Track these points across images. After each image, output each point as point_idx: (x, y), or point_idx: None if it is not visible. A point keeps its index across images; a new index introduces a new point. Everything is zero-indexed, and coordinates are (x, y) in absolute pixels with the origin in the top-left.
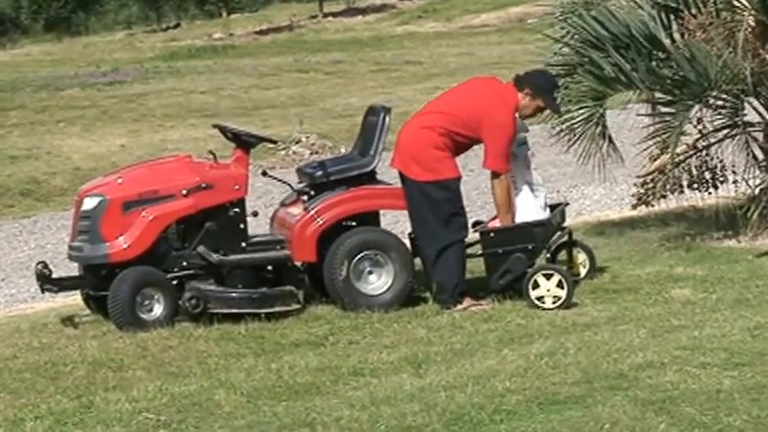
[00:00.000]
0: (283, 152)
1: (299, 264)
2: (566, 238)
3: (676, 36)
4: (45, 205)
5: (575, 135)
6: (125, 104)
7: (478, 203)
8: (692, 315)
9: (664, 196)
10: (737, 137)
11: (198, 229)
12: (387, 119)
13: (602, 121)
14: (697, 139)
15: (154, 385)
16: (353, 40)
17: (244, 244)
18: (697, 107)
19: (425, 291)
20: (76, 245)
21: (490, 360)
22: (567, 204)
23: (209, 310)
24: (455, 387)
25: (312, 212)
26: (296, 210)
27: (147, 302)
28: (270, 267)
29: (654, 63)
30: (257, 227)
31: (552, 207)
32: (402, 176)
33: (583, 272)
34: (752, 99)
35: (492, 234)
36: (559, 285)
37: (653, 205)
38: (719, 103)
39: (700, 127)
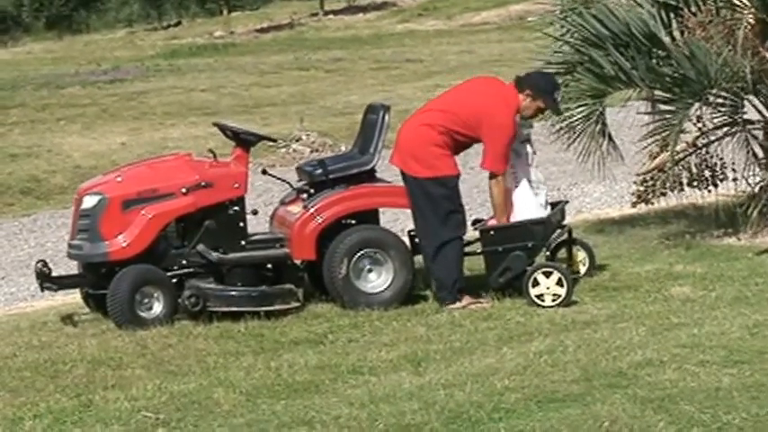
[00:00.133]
0: (283, 150)
1: (298, 262)
2: (565, 236)
3: (676, 34)
4: (45, 203)
5: (574, 133)
6: (126, 102)
7: (478, 201)
8: (692, 313)
9: (663, 194)
10: (737, 135)
11: (197, 228)
12: (386, 117)
13: (602, 119)
14: (697, 137)
15: (153, 384)
16: (354, 37)
17: (243, 242)
18: (697, 105)
19: (425, 289)
20: (76, 243)
21: (489, 358)
22: (567, 202)
23: (208, 308)
24: (454, 385)
25: (312, 211)
26: (296, 208)
27: (146, 301)
28: (269, 265)
29: (654, 61)
30: (257, 225)
31: (552, 205)
32: (402, 173)
33: (582, 270)
34: (751, 97)
35: (492, 232)
36: (559, 283)
37: (653, 203)
38: (719, 101)
39: (699, 125)
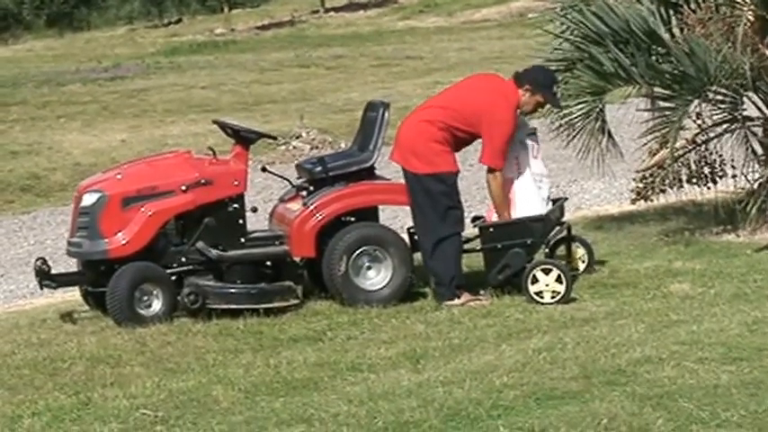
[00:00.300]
0: (283, 147)
1: (297, 259)
2: (564, 232)
3: (676, 31)
4: (45, 201)
5: (574, 130)
6: (126, 100)
7: (478, 198)
8: (691, 310)
9: (663, 191)
10: (736, 131)
11: (197, 225)
12: (386, 114)
13: (602, 116)
14: (696, 134)
15: (152, 381)
16: (354, 34)
17: (243, 239)
18: (696, 102)
19: (424, 286)
20: (75, 241)
21: (488, 355)
22: (566, 199)
23: (207, 305)
24: (453, 382)
25: (311, 208)
26: (295, 205)
27: (145, 298)
28: (269, 263)
29: (653, 58)
30: (256, 222)
31: (552, 202)
32: (403, 170)
33: (581, 267)
34: (751, 94)
35: (491, 229)
36: (558, 280)
37: (652, 200)
38: (719, 97)
39: (699, 122)
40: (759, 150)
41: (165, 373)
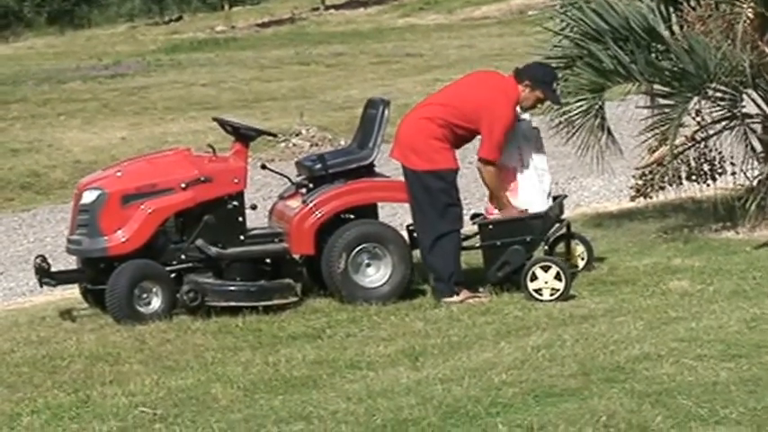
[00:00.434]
0: (283, 145)
1: (297, 256)
2: (564, 230)
3: (675, 28)
4: (45, 198)
5: (573, 127)
6: (126, 97)
7: (477, 195)
8: (690, 307)
9: (662, 188)
10: (736, 128)
11: (196, 223)
12: (386, 112)
13: (601, 113)
14: (696, 131)
15: (151, 379)
16: (355, 32)
17: (242, 237)
18: (696, 99)
19: (423, 283)
20: (75, 238)
21: (487, 353)
22: (566, 196)
23: (207, 303)
24: (452, 380)
25: (311, 205)
26: (294, 203)
27: (145, 296)
28: (268, 260)
29: (653, 55)
30: (256, 220)
31: (551, 199)
32: (403, 167)
33: (581, 264)
34: (750, 91)
35: (490, 226)
36: (557, 277)
37: (651, 197)
38: (718, 94)
39: (698, 119)
40: (758, 147)
41: (163, 371)
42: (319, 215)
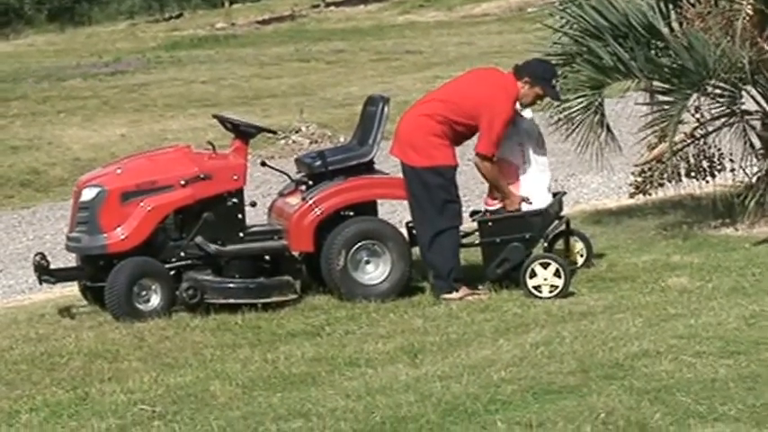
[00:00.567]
0: (283, 142)
1: (296, 254)
2: (563, 226)
3: (675, 25)
4: (44, 196)
5: (573, 124)
6: (126, 94)
7: (476, 193)
8: (689, 304)
9: (661, 185)
10: (735, 125)
11: (196, 220)
12: (385, 109)
13: (601, 110)
14: (695, 128)
15: (149, 376)
16: (355, 29)
17: (241, 234)
18: (695, 96)
19: (422, 281)
20: (74, 236)
21: (486, 350)
22: (565, 193)
23: (206, 300)
24: (450, 377)
25: (310, 202)
26: (294, 200)
27: (144, 293)
28: (267, 257)
29: (652, 52)
30: (255, 217)
31: (551, 196)
32: (402, 164)
33: (580, 261)
34: (749, 87)
35: (490, 223)
36: (556, 274)
37: (650, 194)
38: (717, 91)
39: (697, 116)
40: (757, 144)
41: (162, 368)
42: (319, 212)
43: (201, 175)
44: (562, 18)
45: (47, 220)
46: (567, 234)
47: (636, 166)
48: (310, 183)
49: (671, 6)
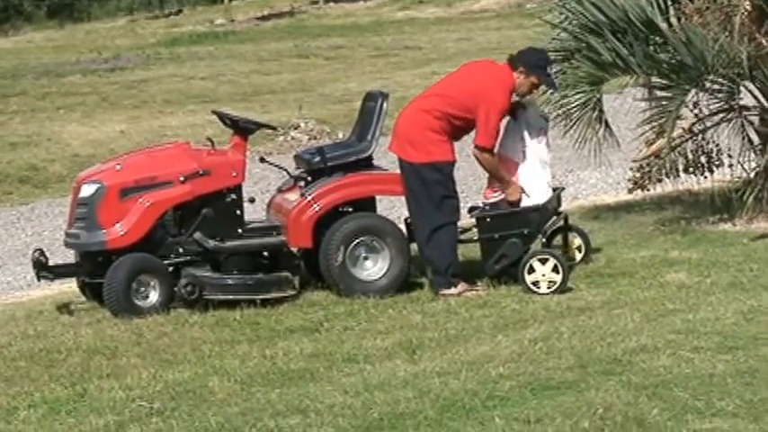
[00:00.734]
0: (281, 138)
1: (295, 250)
2: (561, 222)
3: (673, 21)
4: (43, 192)
5: (571, 120)
6: (125, 91)
7: (474, 189)
8: (687, 299)
9: (659, 180)
10: (733, 121)
11: (195, 216)
12: (384, 104)
13: (599, 106)
14: (693, 124)
15: (148, 372)
16: (354, 25)
17: (240, 230)
18: (693, 91)
19: (421, 276)
20: (73, 232)
21: (484, 346)
22: (563, 189)
23: (204, 296)
24: (449, 373)
25: (309, 198)
26: (293, 196)
27: (142, 289)
28: (266, 253)
29: (651, 48)
30: (254, 213)
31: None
32: (399, 160)
33: (578, 256)
34: (747, 83)
35: (488, 219)
36: (555, 270)
37: (648, 189)
38: (715, 87)
39: (696, 111)
40: (755, 139)
41: (161, 365)
42: (317, 208)
43: (200, 172)
44: (561, 14)
45: (45, 217)
46: (565, 230)
47: (634, 161)
48: (309, 179)
49: (669, 2)
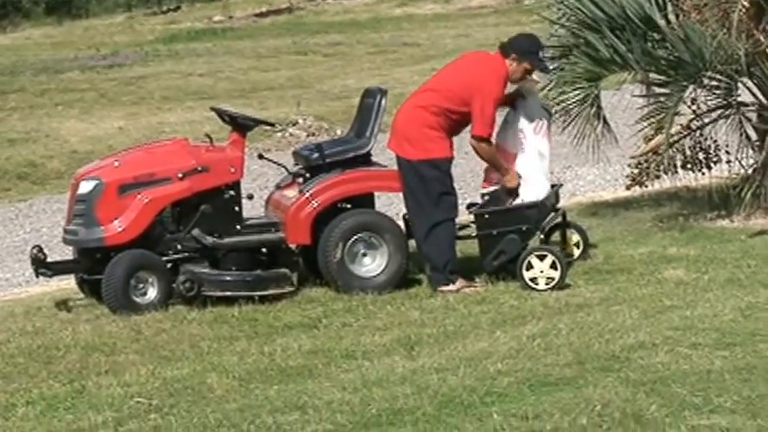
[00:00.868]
0: (280, 134)
1: (293, 246)
2: (559, 219)
3: (671, 17)
4: (41, 188)
5: (569, 116)
6: (124, 87)
7: (472, 185)
8: (685, 295)
9: (657, 177)
10: (731, 117)
11: (193, 212)
12: (383, 101)
13: (597, 102)
14: (691, 120)
15: (146, 369)
16: (352, 21)
17: (238, 227)
18: (691, 88)
19: (419, 273)
20: (72, 228)
21: (482, 342)
22: (561, 185)
23: (203, 292)
24: (447, 369)
25: (307, 195)
26: (291, 192)
27: (141, 286)
28: (264, 250)
29: (649, 44)
30: (252, 209)
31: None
32: (397, 157)
33: (576, 253)
34: (745, 79)
35: (486, 215)
36: (553, 266)
37: (647, 186)
38: (713, 83)
39: (694, 107)
40: (753, 136)
41: (159, 361)
42: (316, 204)
43: (199, 168)
44: (559, 10)
45: (44, 213)
46: (563, 226)
47: (632, 158)
48: (307, 175)
49: None
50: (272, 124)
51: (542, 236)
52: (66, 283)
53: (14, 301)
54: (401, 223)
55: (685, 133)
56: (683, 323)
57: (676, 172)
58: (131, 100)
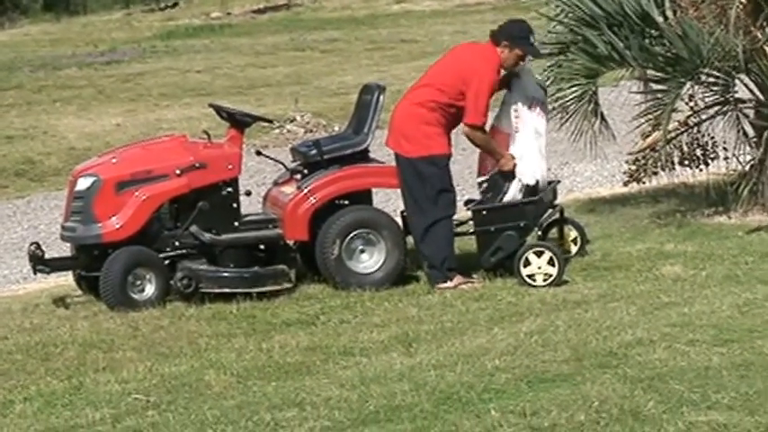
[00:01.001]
0: (277, 131)
1: (291, 243)
2: (557, 215)
3: (669, 14)
4: (39, 185)
5: (567, 113)
6: (122, 84)
7: (470, 182)
8: (682, 292)
9: (655, 173)
10: (728, 114)
11: (191, 209)
12: (381, 97)
13: (595, 99)
14: (688, 116)
15: (144, 366)
16: (350, 18)
17: (236, 223)
18: (689, 84)
19: (417, 270)
20: (69, 225)
21: (480, 338)
22: (559, 182)
23: (200, 289)
24: (445, 366)
25: (305, 191)
26: (289, 189)
27: (138, 282)
28: (262, 246)
29: (646, 41)
30: (250, 206)
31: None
32: (395, 155)
33: (574, 249)
34: (743, 76)
35: (484, 212)
36: (550, 263)
37: (644, 182)
38: (711, 80)
39: (691, 104)
40: (751, 132)
41: (157, 358)
42: (314, 201)
43: (197, 165)
44: (557, 7)
45: (41, 210)
46: (560, 222)
47: (629, 154)
48: (305, 172)
49: None
50: (269, 121)
51: (540, 232)
52: (64, 280)
53: (12, 298)
54: (399, 220)
55: (683, 130)
56: (680, 320)
57: (674, 168)
58: (129, 97)
